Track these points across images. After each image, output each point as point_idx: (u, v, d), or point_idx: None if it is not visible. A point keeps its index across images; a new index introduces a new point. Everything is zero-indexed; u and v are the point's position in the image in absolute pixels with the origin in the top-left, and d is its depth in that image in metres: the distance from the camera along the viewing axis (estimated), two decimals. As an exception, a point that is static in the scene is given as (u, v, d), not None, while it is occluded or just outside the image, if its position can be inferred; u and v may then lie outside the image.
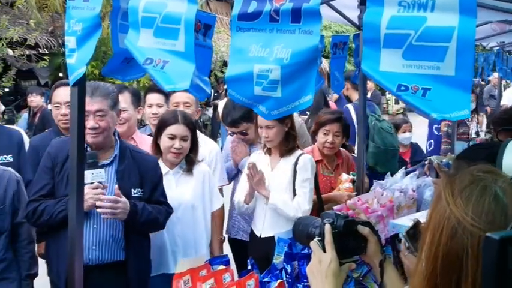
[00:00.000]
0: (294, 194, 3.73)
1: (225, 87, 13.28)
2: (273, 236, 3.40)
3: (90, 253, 3.12)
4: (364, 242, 1.92)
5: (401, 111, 15.09)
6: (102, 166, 3.13)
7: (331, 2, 4.13)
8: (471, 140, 7.81)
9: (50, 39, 14.26)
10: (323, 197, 4.10)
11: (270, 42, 2.07)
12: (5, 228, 3.32)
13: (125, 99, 4.08)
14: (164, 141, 3.70)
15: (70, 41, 2.39)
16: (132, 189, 3.22)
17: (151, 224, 3.27)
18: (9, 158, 3.94)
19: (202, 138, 4.46)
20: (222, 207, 4.37)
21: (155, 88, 4.61)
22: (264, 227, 3.80)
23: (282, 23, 2.05)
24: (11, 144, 4.03)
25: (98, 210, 3.03)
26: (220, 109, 12.04)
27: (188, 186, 3.76)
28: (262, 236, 3.82)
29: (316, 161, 4.10)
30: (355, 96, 6.72)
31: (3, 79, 11.92)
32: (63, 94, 4.07)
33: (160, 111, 4.43)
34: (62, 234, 2.73)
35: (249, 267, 2.64)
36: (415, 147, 6.87)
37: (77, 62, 2.37)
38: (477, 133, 8.15)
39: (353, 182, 4.16)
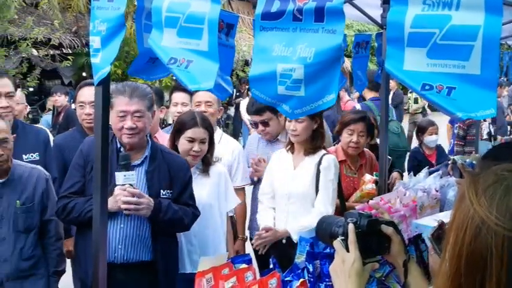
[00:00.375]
0: (317, 193, 3.71)
1: (247, 86, 13.33)
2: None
3: (116, 251, 3.15)
4: (387, 242, 1.90)
5: (419, 110, 14.95)
6: (133, 167, 3.15)
7: (353, 1, 4.10)
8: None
9: (73, 39, 14.46)
10: (347, 205, 4.05)
11: (293, 42, 2.07)
12: (34, 226, 3.38)
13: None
14: (183, 144, 3.68)
15: (95, 41, 2.42)
16: (161, 191, 3.23)
17: (176, 223, 3.25)
18: (35, 156, 4.00)
19: (225, 137, 4.47)
20: (244, 208, 4.37)
21: (180, 87, 4.61)
22: (286, 227, 3.79)
23: (306, 22, 2.05)
24: (37, 142, 4.09)
25: (124, 211, 3.05)
26: (242, 108, 12.07)
27: (205, 187, 3.73)
28: (284, 235, 3.81)
29: (340, 161, 4.08)
30: (369, 95, 6.71)
31: (28, 79, 12.10)
32: (87, 94, 4.14)
33: (184, 110, 4.42)
34: (90, 233, 2.75)
35: (271, 266, 2.64)
36: (439, 150, 6.82)
37: (102, 61, 2.39)
38: (489, 134, 8.03)
39: (376, 182, 4.13)
